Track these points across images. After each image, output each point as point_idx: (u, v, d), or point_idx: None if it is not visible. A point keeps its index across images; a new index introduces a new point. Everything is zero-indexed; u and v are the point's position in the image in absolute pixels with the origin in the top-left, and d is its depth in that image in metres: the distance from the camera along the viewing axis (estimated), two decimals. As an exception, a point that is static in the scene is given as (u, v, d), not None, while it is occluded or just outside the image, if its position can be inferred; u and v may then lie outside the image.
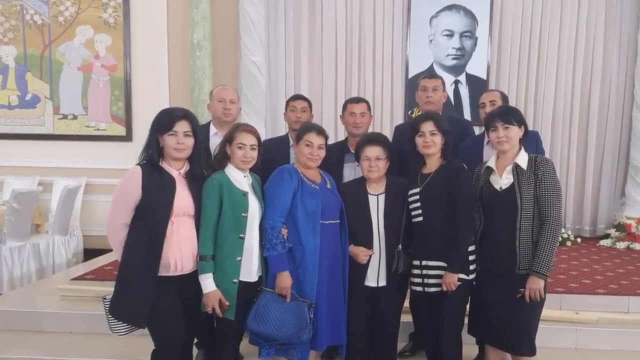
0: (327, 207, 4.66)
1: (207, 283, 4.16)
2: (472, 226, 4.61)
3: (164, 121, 4.09)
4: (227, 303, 4.20)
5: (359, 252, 4.74)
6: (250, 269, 4.37)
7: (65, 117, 10.70)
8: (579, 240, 10.01)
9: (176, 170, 4.15)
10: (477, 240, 4.64)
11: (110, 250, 6.75)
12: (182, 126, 4.07)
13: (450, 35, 10.51)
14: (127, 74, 10.58)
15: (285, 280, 4.44)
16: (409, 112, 10.41)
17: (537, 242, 4.33)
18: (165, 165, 4.13)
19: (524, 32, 10.39)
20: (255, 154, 4.43)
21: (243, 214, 4.29)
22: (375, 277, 4.80)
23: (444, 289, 4.57)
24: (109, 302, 4.12)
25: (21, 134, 10.75)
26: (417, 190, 4.75)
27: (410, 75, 10.55)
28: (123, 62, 10.57)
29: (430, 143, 4.71)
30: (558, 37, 10.36)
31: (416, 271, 4.78)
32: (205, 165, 4.38)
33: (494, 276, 4.50)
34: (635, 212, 10.10)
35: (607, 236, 10.08)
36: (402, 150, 5.18)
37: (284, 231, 4.49)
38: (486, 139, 5.26)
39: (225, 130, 4.97)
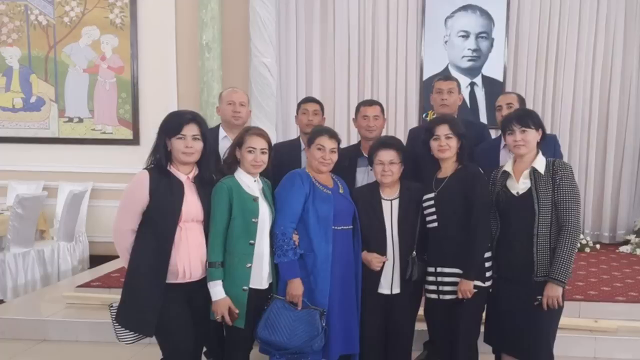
0: (339, 212, 4.60)
1: (217, 290, 4.09)
2: (488, 232, 4.54)
3: (172, 124, 4.04)
4: (237, 311, 4.13)
5: (372, 259, 4.68)
6: (260, 276, 4.30)
7: (70, 120, 10.68)
8: (598, 246, 9.86)
9: (185, 175, 4.10)
10: (494, 247, 4.57)
11: (116, 257, 6.75)
12: (190, 129, 4.02)
13: (466, 36, 10.41)
14: (134, 76, 10.53)
15: (296, 287, 4.39)
16: (424, 115, 10.35)
17: (555, 249, 4.26)
18: (173, 169, 4.08)
19: (542, 32, 10.27)
20: (265, 158, 4.36)
21: (253, 220, 4.23)
22: (389, 284, 4.72)
23: (460, 296, 4.49)
24: (115, 310, 4.06)
25: (25, 138, 10.72)
26: (432, 195, 4.69)
27: (424, 77, 10.46)
28: (130, 63, 10.53)
29: (446, 147, 4.64)
30: (576, 38, 10.23)
31: (431, 278, 4.70)
32: (214, 170, 4.33)
33: (511, 283, 4.43)
34: (656, 217, 9.95)
35: (626, 242, 9.93)
36: (416, 154, 5.11)
37: (295, 237, 4.42)
38: (503, 143, 5.18)
39: (234, 133, 4.94)
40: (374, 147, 4.86)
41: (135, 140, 10.53)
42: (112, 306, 4.09)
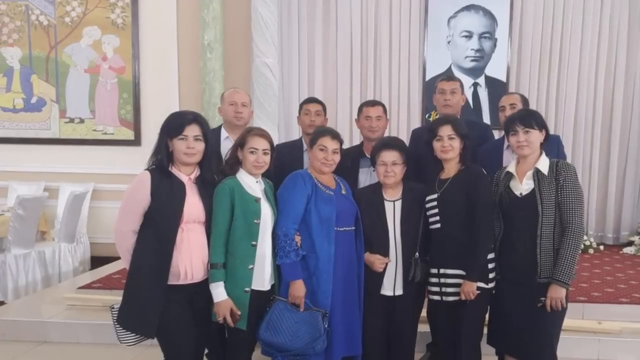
0: (341, 213, 4.59)
1: (218, 292, 4.07)
2: (491, 233, 4.52)
3: (174, 125, 4.02)
4: (239, 312, 4.12)
5: (375, 260, 4.64)
6: (262, 277, 4.29)
7: (71, 120, 10.64)
8: (601, 247, 9.85)
9: (186, 176, 4.08)
10: (497, 248, 4.55)
11: (118, 258, 6.72)
12: (192, 130, 4.00)
13: (469, 36, 10.38)
14: (136, 76, 10.51)
15: (298, 288, 4.37)
16: (427, 116, 10.30)
17: (559, 250, 4.24)
18: (175, 170, 4.06)
19: (545, 32, 10.23)
20: (267, 158, 4.35)
21: (255, 221, 4.21)
22: (392, 285, 4.70)
23: (463, 298, 4.47)
24: (116, 312, 4.04)
25: (26, 138, 10.68)
26: (435, 196, 4.67)
27: (427, 78, 10.44)
28: (131, 64, 10.50)
29: (449, 147, 4.62)
30: (580, 38, 10.20)
31: (434, 280, 4.68)
32: (216, 171, 4.31)
33: (514, 285, 4.41)
34: (660, 218, 9.92)
35: (630, 243, 9.89)
36: (419, 155, 5.08)
37: (298, 238, 4.42)
38: (506, 144, 5.14)
39: (236, 134, 4.92)
40: (376, 148, 4.83)
41: (136, 141, 10.51)
42: (113, 308, 4.08)
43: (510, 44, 10.33)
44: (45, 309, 6.91)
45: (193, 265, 4.01)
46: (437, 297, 4.69)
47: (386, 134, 5.79)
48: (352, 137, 9.67)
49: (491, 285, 4.54)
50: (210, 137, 4.18)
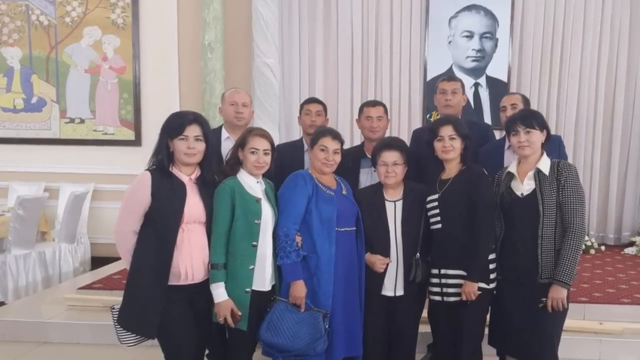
0: (342, 213, 4.58)
1: (219, 292, 4.06)
2: (492, 234, 4.51)
3: (174, 125, 4.02)
4: (240, 313, 4.11)
5: (376, 261, 4.63)
6: (263, 278, 4.28)
7: (72, 121, 10.64)
8: (602, 248, 9.85)
9: (187, 176, 4.07)
10: (498, 248, 4.54)
11: (118, 259, 6.72)
12: (192, 130, 4.00)
13: (470, 36, 10.36)
14: (136, 76, 10.51)
15: (299, 289, 4.36)
16: (428, 116, 10.26)
17: (560, 250, 4.23)
18: (175, 170, 4.05)
19: (546, 33, 10.22)
20: (268, 159, 4.34)
21: (256, 221, 4.20)
22: (393, 286, 4.69)
23: (464, 298, 4.46)
24: (117, 312, 4.04)
25: (27, 139, 10.67)
26: (436, 196, 4.65)
27: (428, 78, 10.43)
28: (132, 64, 10.50)
29: (450, 148, 4.60)
30: (581, 38, 10.19)
31: (435, 280, 4.67)
32: (216, 171, 4.31)
33: (515, 285, 4.40)
34: (661, 219, 9.90)
35: (632, 244, 9.88)
36: (420, 155, 5.07)
37: (298, 239, 4.41)
38: (507, 144, 5.12)
39: (237, 134, 4.90)
40: (377, 148, 4.82)
41: (137, 141, 10.51)
42: (113, 308, 4.07)
43: (512, 44, 10.32)
44: (45, 309, 6.91)
45: (194, 265, 4.00)
46: (438, 298, 4.67)
47: (387, 134, 5.78)
48: (352, 138, 9.63)
49: (492, 285, 4.52)
50: (211, 137, 4.18)
